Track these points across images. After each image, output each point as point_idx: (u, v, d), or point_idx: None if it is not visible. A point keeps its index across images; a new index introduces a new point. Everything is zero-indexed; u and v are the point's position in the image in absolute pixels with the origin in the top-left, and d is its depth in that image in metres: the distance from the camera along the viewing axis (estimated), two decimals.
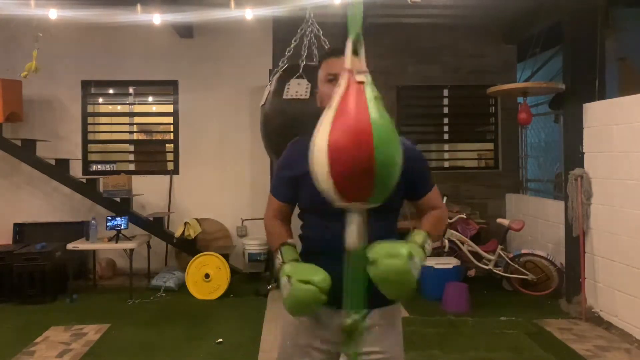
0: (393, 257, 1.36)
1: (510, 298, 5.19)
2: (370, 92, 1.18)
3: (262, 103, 4.07)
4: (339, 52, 1.64)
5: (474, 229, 5.78)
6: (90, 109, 6.67)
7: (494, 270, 5.35)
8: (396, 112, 6.69)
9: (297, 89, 3.79)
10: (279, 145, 3.92)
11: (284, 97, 3.81)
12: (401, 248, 1.39)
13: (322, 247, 1.61)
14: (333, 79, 1.65)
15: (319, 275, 1.45)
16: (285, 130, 3.75)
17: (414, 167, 1.63)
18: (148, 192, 6.37)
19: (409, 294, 1.42)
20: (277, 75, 4.03)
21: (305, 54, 4.20)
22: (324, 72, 1.71)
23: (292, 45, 4.34)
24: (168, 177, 6.52)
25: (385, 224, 1.64)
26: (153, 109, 7.19)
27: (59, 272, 5.35)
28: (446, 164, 7.08)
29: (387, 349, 1.68)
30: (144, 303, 5.19)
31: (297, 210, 1.78)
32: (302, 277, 1.45)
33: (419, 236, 1.56)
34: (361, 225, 1.23)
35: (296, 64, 3.97)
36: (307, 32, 4.32)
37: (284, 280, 1.50)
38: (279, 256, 1.62)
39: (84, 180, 6.06)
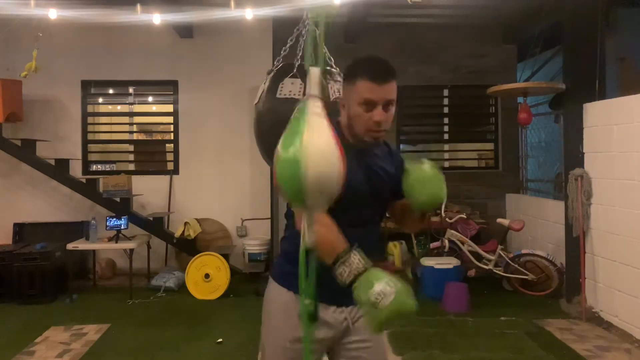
0: (422, 165, 1.62)
1: (510, 298, 5.19)
2: (297, 116, 1.33)
3: (256, 102, 4.07)
4: (381, 77, 1.58)
5: (474, 229, 5.79)
6: (90, 109, 6.67)
7: (494, 270, 5.35)
8: (396, 112, 6.68)
9: (291, 88, 3.78)
10: (270, 144, 3.92)
11: (277, 95, 3.80)
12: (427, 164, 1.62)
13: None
14: (368, 105, 1.59)
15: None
16: (277, 129, 3.74)
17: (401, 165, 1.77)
18: (148, 192, 6.37)
19: (440, 199, 1.62)
20: (272, 74, 4.02)
21: (300, 54, 4.20)
22: (360, 95, 1.58)
23: (287, 45, 4.33)
24: (168, 177, 6.51)
25: (379, 214, 1.77)
26: (153, 109, 7.19)
27: (59, 272, 5.35)
28: (446, 164, 7.08)
29: (370, 338, 1.72)
30: (144, 303, 5.19)
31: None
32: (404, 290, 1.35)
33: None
34: (306, 222, 1.35)
35: (291, 63, 3.97)
36: (303, 32, 4.32)
37: (384, 285, 1.33)
38: (357, 256, 1.42)
39: (84, 180, 6.06)
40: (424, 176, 1.61)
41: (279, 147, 1.28)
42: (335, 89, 3.77)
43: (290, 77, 3.86)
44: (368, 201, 1.69)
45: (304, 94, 4.03)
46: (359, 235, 1.51)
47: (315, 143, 1.22)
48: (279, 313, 1.72)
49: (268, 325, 1.77)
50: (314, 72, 1.35)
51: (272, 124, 3.79)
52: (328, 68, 3.99)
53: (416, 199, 1.61)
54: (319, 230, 1.41)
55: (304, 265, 1.34)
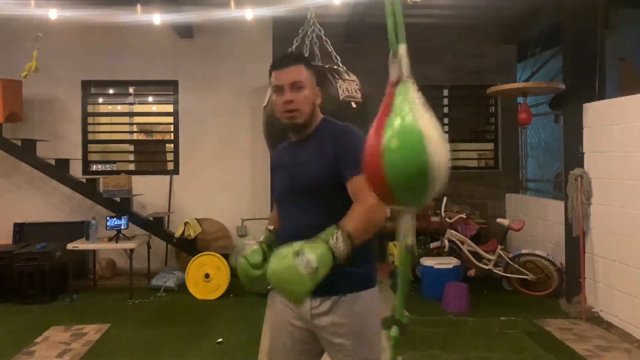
0: (279, 258, 1.45)
1: (510, 298, 5.19)
2: (400, 100, 1.14)
3: (265, 104, 4.06)
4: (280, 64, 1.79)
5: (474, 229, 5.78)
6: (90, 109, 6.68)
7: (494, 270, 5.35)
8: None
9: None
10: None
11: None
12: (290, 248, 1.46)
13: (286, 233, 1.81)
14: (278, 91, 1.76)
15: (253, 256, 1.84)
16: (286, 132, 3.75)
17: (339, 148, 1.73)
18: (148, 192, 6.37)
19: (299, 294, 1.45)
20: None
21: (307, 55, 4.21)
22: (272, 85, 1.79)
23: (293, 46, 4.33)
24: (168, 177, 6.51)
25: (317, 210, 1.73)
26: (153, 109, 7.19)
27: (59, 272, 5.35)
28: None
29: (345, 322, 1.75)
30: (144, 303, 5.19)
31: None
32: (244, 254, 1.84)
33: (326, 232, 1.53)
34: (408, 223, 1.17)
35: None
36: (309, 33, 4.32)
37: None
38: None
39: (84, 180, 6.06)
40: (273, 274, 1.47)
41: (385, 136, 1.07)
42: (344, 87, 3.76)
43: None
44: (292, 196, 1.81)
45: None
46: (298, 228, 1.71)
47: (433, 130, 1.08)
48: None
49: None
50: (403, 51, 1.13)
51: (280, 127, 3.80)
52: (335, 67, 3.97)
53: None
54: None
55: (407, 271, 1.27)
